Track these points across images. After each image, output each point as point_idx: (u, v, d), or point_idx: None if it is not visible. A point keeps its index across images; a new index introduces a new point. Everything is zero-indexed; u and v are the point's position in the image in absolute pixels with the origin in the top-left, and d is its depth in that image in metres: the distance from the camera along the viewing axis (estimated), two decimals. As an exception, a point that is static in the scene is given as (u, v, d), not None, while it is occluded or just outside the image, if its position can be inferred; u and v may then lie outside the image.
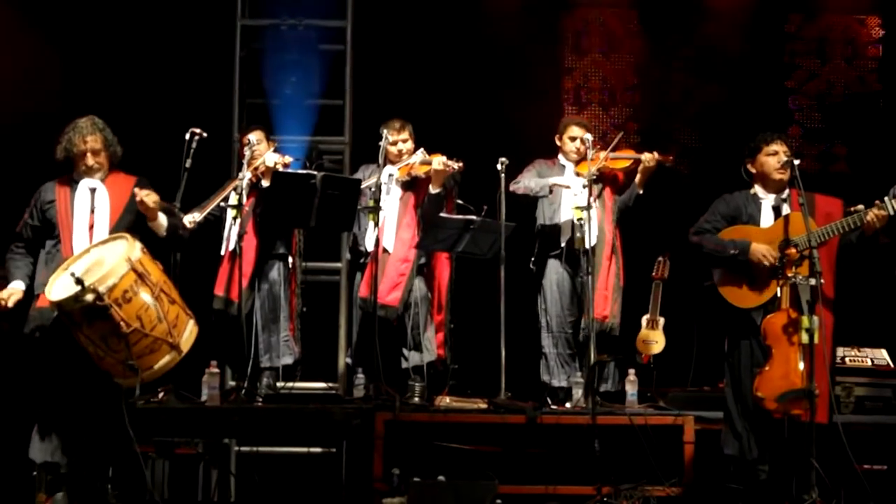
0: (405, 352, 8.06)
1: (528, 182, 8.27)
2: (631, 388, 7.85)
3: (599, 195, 8.22)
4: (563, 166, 8.37)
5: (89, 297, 6.05)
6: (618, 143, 8.26)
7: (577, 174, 8.16)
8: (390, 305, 7.97)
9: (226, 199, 7.85)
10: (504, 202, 7.98)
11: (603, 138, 8.27)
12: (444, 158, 7.98)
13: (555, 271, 8.24)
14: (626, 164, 8.24)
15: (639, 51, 10.16)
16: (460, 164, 8.01)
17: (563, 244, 8.15)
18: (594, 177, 8.04)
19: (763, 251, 6.68)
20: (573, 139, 8.27)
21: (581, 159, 8.21)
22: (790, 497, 6.31)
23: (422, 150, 8.21)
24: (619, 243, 8.34)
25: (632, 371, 7.92)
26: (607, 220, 8.26)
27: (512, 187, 8.23)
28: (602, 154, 8.19)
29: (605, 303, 8.17)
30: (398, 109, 8.57)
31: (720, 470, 6.87)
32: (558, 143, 8.43)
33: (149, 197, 6.71)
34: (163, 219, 6.83)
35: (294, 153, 8.48)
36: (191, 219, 7.58)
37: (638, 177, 8.17)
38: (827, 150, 10.12)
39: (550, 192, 8.22)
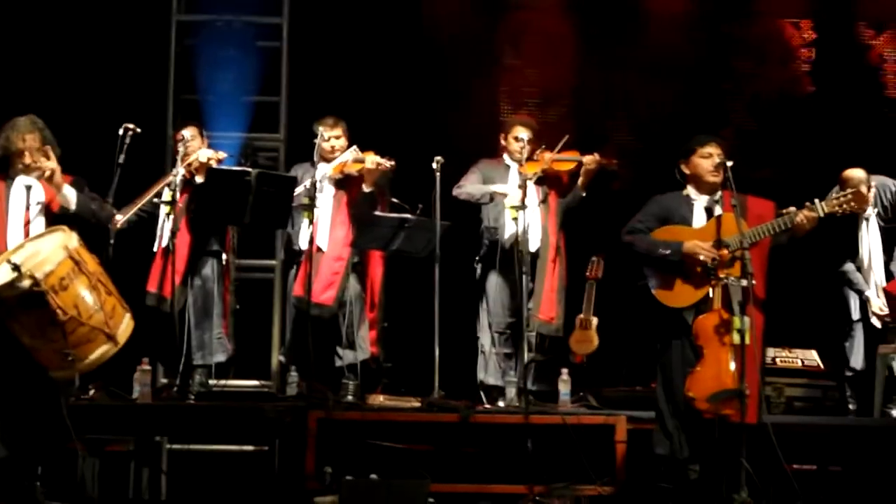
0: (339, 350, 8.05)
1: (470, 189, 8.28)
2: (564, 388, 7.88)
3: (545, 199, 8.25)
4: (508, 166, 8.38)
5: (26, 283, 5.98)
6: (563, 145, 8.28)
7: (522, 174, 8.18)
8: (325, 304, 7.97)
9: (159, 195, 7.80)
10: (439, 201, 7.98)
11: (540, 139, 8.26)
12: (376, 157, 7.97)
13: (497, 271, 8.24)
14: (570, 165, 8.25)
15: (577, 53, 10.18)
16: (392, 163, 8.01)
17: (506, 245, 8.16)
18: (538, 177, 8.08)
19: (699, 244, 6.69)
20: (518, 139, 8.25)
21: (527, 159, 8.22)
22: (720, 497, 6.34)
23: (354, 147, 8.20)
24: (564, 245, 8.36)
25: (565, 371, 7.95)
26: (551, 221, 8.28)
27: (455, 192, 8.25)
28: (547, 155, 8.21)
29: (552, 305, 8.19)
30: (334, 107, 8.55)
31: (651, 469, 6.90)
32: (503, 142, 8.44)
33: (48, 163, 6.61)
34: (69, 192, 6.69)
35: (229, 150, 8.45)
36: (121, 218, 7.51)
37: (581, 179, 8.21)
38: (759, 152, 10.22)
39: (491, 199, 8.24)
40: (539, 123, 8.81)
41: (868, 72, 10.36)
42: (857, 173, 8.17)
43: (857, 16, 10.43)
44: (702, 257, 6.67)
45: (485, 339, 8.28)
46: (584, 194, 8.23)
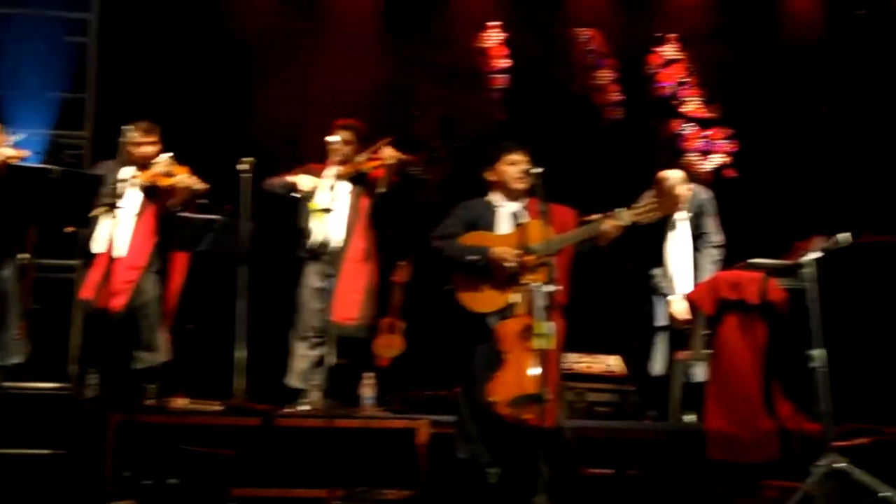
0: (138, 353, 7.90)
1: (272, 180, 8.22)
2: (368, 392, 7.88)
3: (356, 200, 8.22)
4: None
5: None
6: (378, 147, 8.26)
7: (339, 177, 8.13)
8: (113, 310, 7.80)
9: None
10: (250, 203, 7.91)
11: (364, 141, 8.25)
12: (188, 179, 7.86)
13: (306, 272, 8.19)
14: (375, 164, 8.23)
15: (385, 56, 10.21)
16: (206, 186, 7.91)
17: (315, 246, 8.11)
18: (350, 177, 8.07)
19: (503, 251, 6.76)
20: (330, 142, 8.20)
21: (344, 161, 8.17)
22: (520, 500, 6.40)
23: (169, 157, 8.05)
24: (374, 246, 8.35)
25: (369, 374, 7.95)
26: (360, 222, 8.26)
27: (261, 184, 8.16)
28: (360, 157, 8.20)
29: (351, 306, 8.16)
30: (142, 105, 8.41)
31: (453, 473, 6.93)
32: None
33: None
34: None
35: (32, 147, 8.23)
36: None
37: (381, 176, 8.19)
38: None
39: (292, 191, 8.16)
40: (357, 125, 8.76)
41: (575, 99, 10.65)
42: (672, 174, 8.36)
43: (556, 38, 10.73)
44: (507, 264, 6.74)
45: (292, 341, 8.23)
46: (383, 190, 8.19)
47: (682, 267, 8.36)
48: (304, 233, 8.20)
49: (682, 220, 8.39)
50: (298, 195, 8.19)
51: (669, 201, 8.23)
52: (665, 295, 8.36)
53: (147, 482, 6.71)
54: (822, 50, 10.86)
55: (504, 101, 10.66)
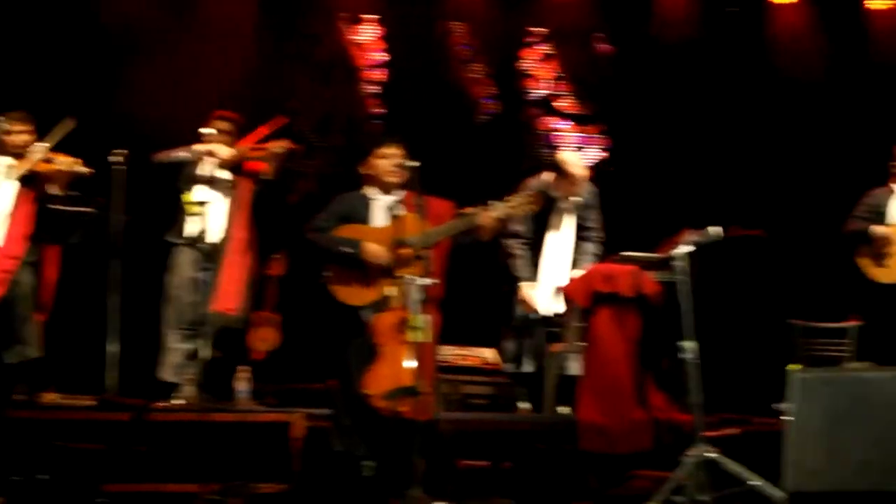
0: (10, 346, 7.74)
1: (159, 156, 8.09)
2: (242, 385, 7.83)
3: (234, 191, 8.14)
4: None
5: None
6: (263, 137, 8.18)
7: (220, 166, 8.03)
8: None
9: None
10: (124, 195, 7.80)
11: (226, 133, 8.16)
12: (70, 162, 7.73)
13: (179, 261, 8.08)
14: (260, 153, 8.15)
15: (262, 49, 10.14)
16: (89, 171, 7.78)
17: (193, 236, 8.02)
18: (231, 167, 7.99)
19: (375, 251, 6.77)
20: (204, 134, 8.11)
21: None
22: (394, 493, 6.41)
23: (44, 144, 7.89)
24: (254, 237, 8.26)
25: (244, 368, 7.89)
26: (241, 213, 8.17)
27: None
28: (243, 146, 8.12)
29: (234, 297, 8.08)
30: (14, 94, 8.25)
31: (329, 467, 6.91)
32: None
33: None
34: None
35: None
36: None
37: (265, 167, 8.12)
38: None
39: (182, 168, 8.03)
40: (234, 117, 8.66)
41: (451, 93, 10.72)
42: (571, 156, 8.46)
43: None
44: (378, 264, 6.75)
45: (166, 334, 8.12)
46: (270, 178, 8.12)
47: (558, 256, 8.40)
48: (180, 214, 8.09)
49: (568, 209, 8.42)
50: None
51: (568, 184, 8.31)
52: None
53: (16, 478, 6.57)
54: (694, 47, 11.01)
55: (381, 95, 10.65)
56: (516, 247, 8.32)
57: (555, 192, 8.33)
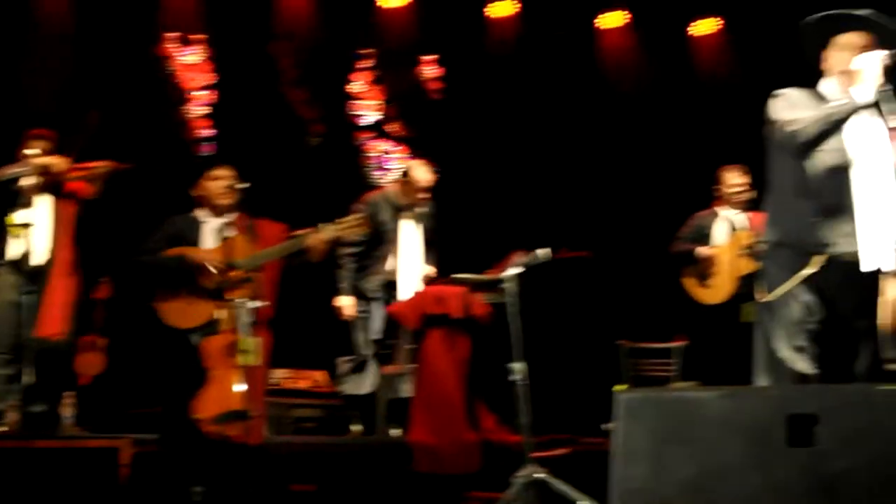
0: None
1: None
2: (68, 411, 7.65)
3: (57, 211, 7.94)
4: None
5: None
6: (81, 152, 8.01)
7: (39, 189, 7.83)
8: None
9: None
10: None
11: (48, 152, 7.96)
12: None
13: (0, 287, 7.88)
14: (82, 173, 7.97)
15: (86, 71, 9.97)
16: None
17: (14, 259, 7.81)
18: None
19: (203, 254, 6.70)
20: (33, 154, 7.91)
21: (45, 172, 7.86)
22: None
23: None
24: (79, 259, 8.08)
25: (69, 393, 7.72)
26: (65, 235, 7.97)
27: None
28: (61, 165, 7.93)
29: (57, 321, 7.88)
30: None
31: (157, 492, 6.80)
32: None
33: None
34: None
35: None
36: None
37: (89, 186, 7.95)
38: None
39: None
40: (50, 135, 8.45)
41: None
42: (418, 165, 8.49)
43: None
44: (210, 266, 6.66)
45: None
46: (93, 198, 7.95)
47: (408, 267, 8.43)
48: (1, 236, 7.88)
49: (414, 218, 8.46)
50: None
51: (414, 192, 8.36)
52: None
53: None
54: (524, 69, 11.14)
55: (211, 116, 10.55)
56: (346, 258, 8.32)
57: (400, 201, 8.40)
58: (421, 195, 8.41)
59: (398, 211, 8.40)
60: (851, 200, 5.13)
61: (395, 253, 8.38)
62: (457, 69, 11.15)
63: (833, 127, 5.10)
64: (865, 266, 5.10)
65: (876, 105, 5.10)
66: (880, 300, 5.08)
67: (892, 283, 5.05)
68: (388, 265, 8.40)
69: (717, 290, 8.73)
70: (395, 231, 8.41)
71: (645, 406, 4.46)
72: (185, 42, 10.62)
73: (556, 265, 6.99)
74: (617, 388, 4.58)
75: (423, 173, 8.45)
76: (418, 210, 8.42)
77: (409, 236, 8.46)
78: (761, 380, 5.96)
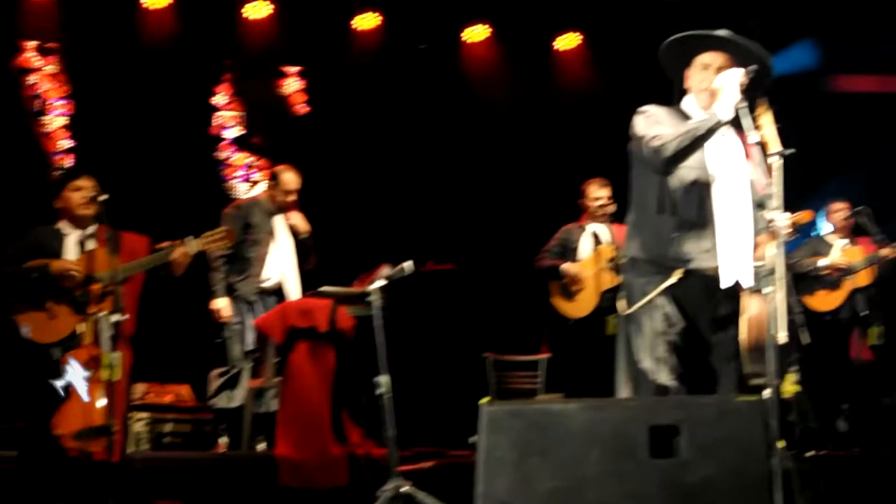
0: None
1: None
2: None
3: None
4: None
5: None
6: None
7: None
8: None
9: None
10: None
11: None
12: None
13: None
14: None
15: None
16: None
17: None
18: None
19: (66, 264, 6.59)
20: None
21: None
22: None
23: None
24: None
25: None
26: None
27: None
28: None
29: None
30: None
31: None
32: None
33: None
34: None
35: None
36: None
37: None
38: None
39: None
40: None
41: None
42: (287, 170, 8.47)
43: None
44: (71, 272, 6.54)
45: None
46: None
47: (284, 273, 8.41)
48: None
49: (282, 225, 8.46)
50: None
51: (283, 197, 8.36)
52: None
53: None
54: (388, 81, 11.11)
55: (70, 128, 10.37)
56: (218, 260, 8.27)
57: (271, 206, 8.39)
58: (290, 198, 8.44)
59: (270, 215, 8.41)
60: (711, 216, 5.25)
61: (265, 258, 8.37)
62: (322, 81, 11.11)
63: (695, 144, 5.21)
64: (725, 282, 5.22)
65: (736, 122, 5.22)
66: (741, 317, 5.19)
67: (751, 299, 5.16)
68: (265, 271, 8.38)
69: (581, 304, 8.83)
70: (269, 234, 8.40)
71: (508, 418, 4.49)
72: (44, 53, 10.43)
73: (422, 278, 7.01)
74: (483, 401, 4.61)
75: (290, 177, 8.47)
76: (291, 216, 8.45)
77: (283, 240, 8.46)
78: (623, 391, 6.05)
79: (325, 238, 9.14)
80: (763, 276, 4.88)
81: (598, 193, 8.92)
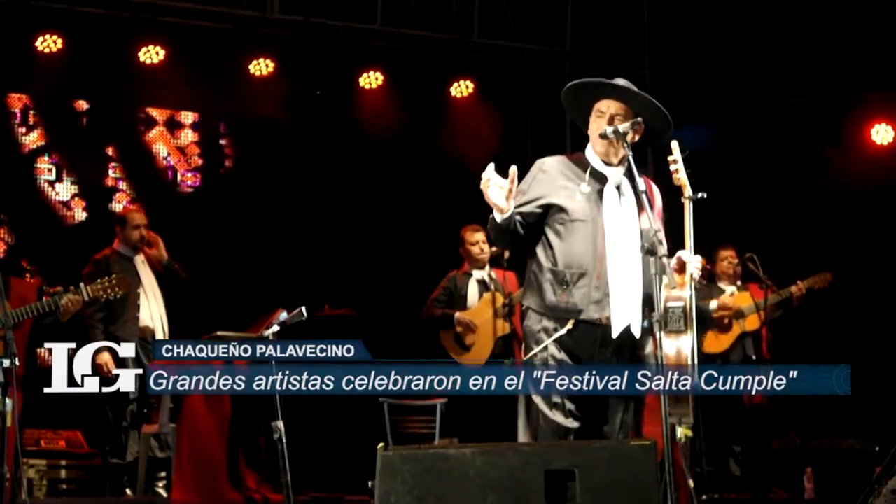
0: None
1: None
2: None
3: None
4: None
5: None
6: None
7: None
8: None
9: None
10: None
11: None
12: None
13: None
14: None
15: None
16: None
17: None
18: None
19: None
20: None
21: None
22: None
23: None
24: None
25: None
26: None
27: None
28: None
29: None
30: None
31: None
32: None
33: None
34: None
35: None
36: None
37: None
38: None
39: None
40: None
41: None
42: (130, 210, 8.42)
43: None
44: None
45: None
46: None
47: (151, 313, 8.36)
48: None
49: (144, 266, 8.41)
50: None
51: (134, 236, 8.39)
52: None
53: None
54: (284, 126, 11.07)
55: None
56: (94, 314, 8.14)
57: (125, 251, 8.33)
58: (141, 234, 8.34)
59: (129, 260, 8.33)
60: (601, 267, 5.32)
61: (137, 300, 8.30)
62: (217, 128, 11.03)
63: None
64: (616, 331, 5.29)
65: (629, 171, 5.33)
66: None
67: (667, 340, 5.18)
68: (141, 315, 8.28)
69: (476, 352, 8.83)
70: (135, 277, 8.29)
71: (403, 463, 4.52)
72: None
73: (319, 322, 7.00)
74: (379, 446, 4.63)
75: (134, 215, 8.43)
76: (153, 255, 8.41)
77: (147, 281, 8.38)
78: (521, 436, 6.10)
79: (223, 282, 9.15)
80: (676, 318, 4.97)
81: (474, 238, 8.93)
